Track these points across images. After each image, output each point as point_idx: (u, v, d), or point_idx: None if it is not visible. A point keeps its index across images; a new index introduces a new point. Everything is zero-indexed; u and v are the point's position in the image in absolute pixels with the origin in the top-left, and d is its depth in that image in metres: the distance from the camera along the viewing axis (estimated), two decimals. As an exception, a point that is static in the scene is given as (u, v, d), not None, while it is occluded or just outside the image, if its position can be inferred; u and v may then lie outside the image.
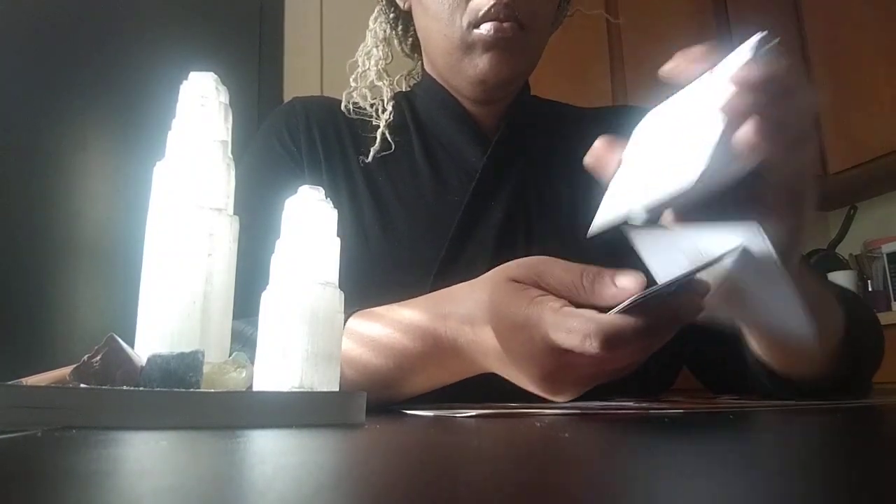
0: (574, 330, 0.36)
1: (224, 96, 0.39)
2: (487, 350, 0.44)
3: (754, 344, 0.49)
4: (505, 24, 0.64)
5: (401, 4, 0.75)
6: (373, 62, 0.75)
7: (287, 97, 1.90)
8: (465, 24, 0.65)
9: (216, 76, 0.39)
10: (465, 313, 0.45)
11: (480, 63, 0.66)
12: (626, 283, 0.37)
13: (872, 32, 2.09)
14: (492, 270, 0.44)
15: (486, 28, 0.64)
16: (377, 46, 0.76)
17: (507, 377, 0.45)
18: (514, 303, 0.40)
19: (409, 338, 0.47)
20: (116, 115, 1.76)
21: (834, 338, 0.49)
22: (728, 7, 2.30)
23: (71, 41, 1.77)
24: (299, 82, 1.91)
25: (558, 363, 0.39)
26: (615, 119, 0.79)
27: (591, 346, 0.35)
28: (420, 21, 0.71)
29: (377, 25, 0.78)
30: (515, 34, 0.64)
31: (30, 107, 1.71)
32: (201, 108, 0.38)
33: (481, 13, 0.63)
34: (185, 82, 0.38)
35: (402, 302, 0.50)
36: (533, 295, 0.40)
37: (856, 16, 2.15)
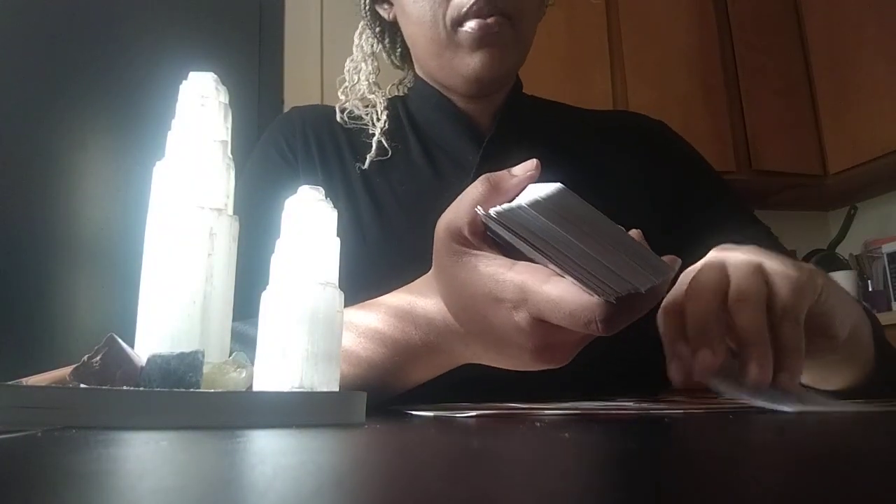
0: (576, 313, 0.34)
1: (224, 96, 0.39)
2: (465, 338, 0.43)
3: None
4: (490, 20, 0.63)
5: (385, 16, 0.76)
6: (362, 76, 0.76)
7: (287, 97, 1.91)
8: (448, 23, 0.64)
9: (216, 76, 0.39)
10: (431, 306, 0.44)
11: (472, 62, 0.66)
12: (523, 167, 0.38)
13: (872, 32, 2.09)
14: (434, 253, 0.42)
15: (471, 26, 0.63)
16: (365, 61, 0.77)
17: (490, 363, 0.43)
18: (479, 278, 0.38)
19: (379, 342, 0.46)
20: (116, 115, 1.76)
21: (867, 351, 0.50)
22: (728, 7, 2.30)
23: (71, 41, 1.77)
24: (299, 82, 1.91)
25: (551, 334, 0.38)
26: (612, 125, 0.80)
27: (597, 329, 0.34)
28: (406, 28, 0.72)
29: (363, 41, 0.79)
30: (503, 28, 0.64)
31: (30, 107, 1.71)
32: (201, 108, 0.38)
33: (464, 10, 0.63)
34: (184, 82, 0.38)
35: (372, 300, 0.49)
36: (493, 268, 0.38)
37: (856, 16, 2.15)
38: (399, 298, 0.47)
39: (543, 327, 0.37)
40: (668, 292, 0.42)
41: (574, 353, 0.40)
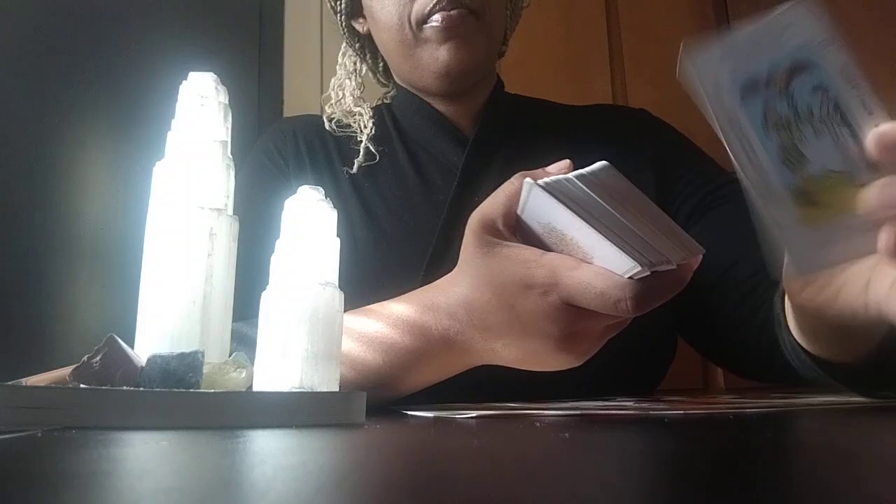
0: (606, 292, 0.36)
1: (224, 96, 0.39)
2: (485, 333, 0.43)
3: (794, 325, 0.49)
4: (453, 13, 0.65)
5: (360, 29, 0.78)
6: (347, 93, 0.78)
7: (287, 97, 1.91)
8: (414, 23, 0.66)
9: (216, 76, 0.39)
10: (454, 301, 0.44)
11: (440, 55, 0.67)
12: (557, 166, 0.40)
13: (872, 32, 2.09)
14: (464, 245, 0.43)
15: (435, 20, 0.65)
16: (349, 78, 0.79)
17: (508, 361, 0.44)
18: (511, 266, 0.39)
19: (399, 334, 0.47)
20: (116, 115, 1.76)
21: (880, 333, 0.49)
22: (728, 8, 2.30)
23: (71, 41, 1.77)
24: (300, 82, 1.91)
25: (578, 320, 0.39)
26: (595, 118, 0.80)
27: (626, 308, 0.35)
28: (377, 36, 0.73)
29: (346, 59, 0.81)
30: (467, 21, 0.66)
31: (29, 106, 1.71)
32: (201, 108, 0.38)
33: (428, 8, 0.65)
34: (184, 82, 0.38)
35: (391, 299, 0.49)
36: (526, 255, 0.39)
37: (856, 16, 2.15)
38: (420, 295, 0.47)
39: (571, 312, 0.38)
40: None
41: (595, 347, 0.41)
